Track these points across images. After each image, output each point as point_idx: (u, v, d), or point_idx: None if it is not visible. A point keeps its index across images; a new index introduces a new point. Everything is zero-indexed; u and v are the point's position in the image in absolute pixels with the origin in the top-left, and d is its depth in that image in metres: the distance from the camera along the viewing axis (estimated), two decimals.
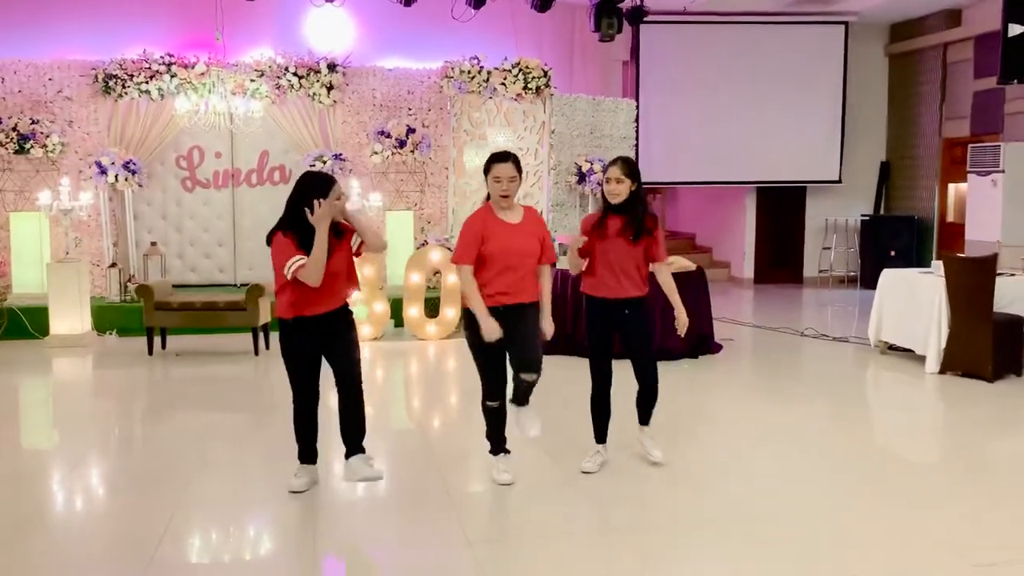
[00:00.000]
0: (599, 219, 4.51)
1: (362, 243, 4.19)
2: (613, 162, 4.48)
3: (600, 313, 4.51)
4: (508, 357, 4.25)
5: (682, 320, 4.52)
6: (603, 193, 4.48)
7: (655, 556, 3.56)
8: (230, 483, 4.45)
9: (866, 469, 4.71)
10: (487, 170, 4.23)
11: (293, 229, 4.01)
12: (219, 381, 6.94)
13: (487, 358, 4.26)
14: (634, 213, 4.41)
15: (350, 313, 4.25)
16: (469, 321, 4.23)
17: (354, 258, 4.23)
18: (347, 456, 4.21)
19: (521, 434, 4.37)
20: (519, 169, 4.26)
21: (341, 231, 4.15)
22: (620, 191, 4.38)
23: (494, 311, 4.15)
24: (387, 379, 7.21)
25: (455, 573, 3.45)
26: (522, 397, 4.33)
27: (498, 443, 4.47)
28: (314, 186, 4.01)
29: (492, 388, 4.35)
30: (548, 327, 4.36)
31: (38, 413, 6.37)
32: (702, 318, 7.68)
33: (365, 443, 4.24)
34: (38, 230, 8.93)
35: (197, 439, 5.22)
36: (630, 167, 4.42)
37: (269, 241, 4.08)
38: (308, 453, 4.33)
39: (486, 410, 4.41)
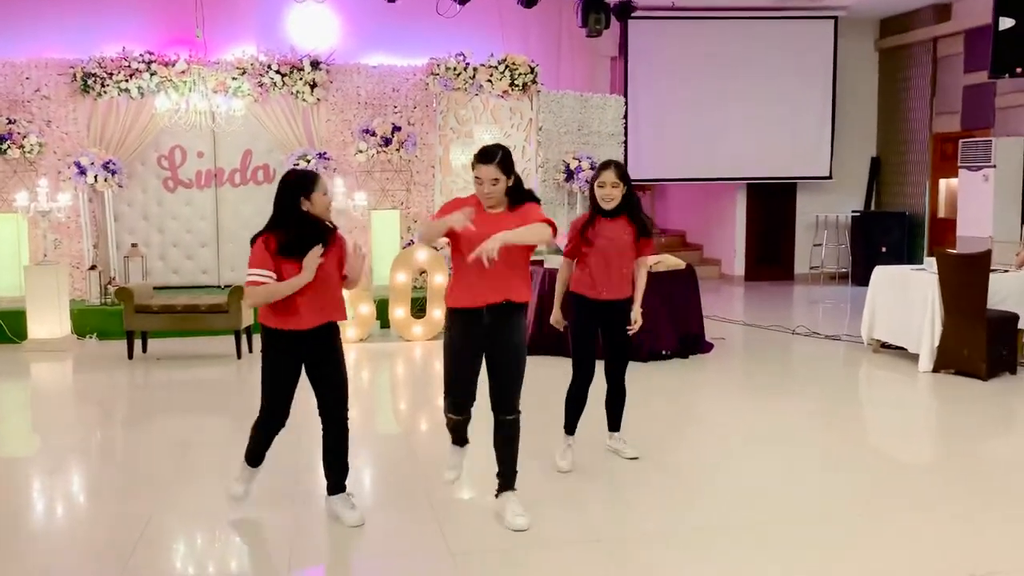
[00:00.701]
0: (587, 221, 4.46)
1: (345, 276, 3.91)
2: (606, 166, 4.42)
3: (594, 313, 4.48)
4: (492, 386, 3.88)
5: (637, 319, 4.50)
6: (593, 197, 4.42)
7: (640, 565, 3.45)
8: (209, 489, 4.31)
9: (858, 471, 4.61)
10: (472, 167, 3.89)
11: (278, 230, 3.75)
12: (201, 385, 6.80)
13: (460, 367, 3.86)
14: (636, 215, 4.43)
15: (337, 330, 3.91)
16: (451, 322, 3.89)
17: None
18: (329, 493, 3.99)
19: (507, 526, 3.83)
20: (506, 170, 3.78)
21: (327, 239, 3.83)
22: (615, 196, 4.37)
23: (470, 312, 3.78)
24: (373, 382, 7.08)
25: None
26: (507, 472, 3.93)
27: (459, 439, 4.14)
28: (299, 184, 3.76)
29: (457, 401, 3.93)
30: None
31: (15, 419, 6.21)
32: (692, 317, 7.59)
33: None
34: (16, 232, 8.77)
35: (177, 444, 5.10)
36: (622, 171, 4.42)
37: (253, 243, 3.82)
38: (258, 456, 4.01)
39: (449, 421, 4.05)
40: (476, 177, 3.82)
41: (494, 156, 3.78)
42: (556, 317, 4.59)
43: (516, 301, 3.81)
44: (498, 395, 3.86)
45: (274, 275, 3.69)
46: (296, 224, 3.74)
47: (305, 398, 4.02)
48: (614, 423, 4.78)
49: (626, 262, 4.46)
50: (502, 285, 3.75)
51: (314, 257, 3.72)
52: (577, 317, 4.52)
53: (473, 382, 3.89)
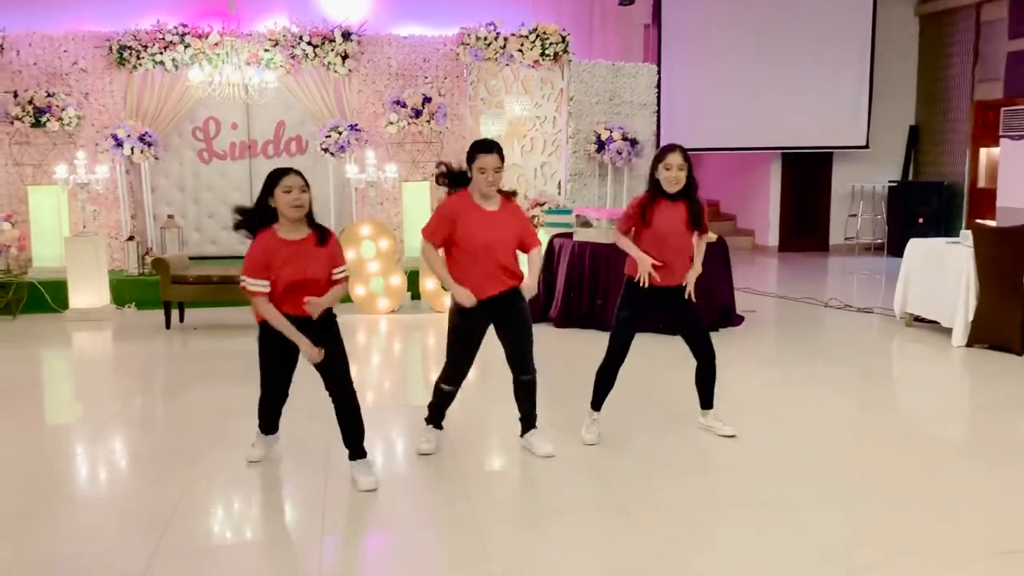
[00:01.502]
0: (647, 201, 4.42)
1: (335, 281, 4.01)
2: (671, 149, 4.38)
3: (645, 300, 4.45)
4: (508, 353, 4.35)
5: (692, 279, 4.51)
6: (655, 179, 4.40)
7: (665, 540, 3.49)
8: (245, 457, 4.43)
9: (888, 446, 4.60)
10: (471, 159, 4.15)
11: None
12: (237, 355, 6.93)
13: (464, 344, 4.27)
14: (695, 200, 4.44)
15: (333, 318, 4.05)
16: (457, 307, 4.24)
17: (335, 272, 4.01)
18: (350, 458, 4.13)
19: (535, 454, 4.42)
20: (503, 159, 4.18)
21: (325, 237, 3.95)
22: (681, 179, 4.36)
23: (479, 305, 4.15)
24: (404, 353, 7.17)
25: (464, 554, 3.40)
26: (528, 417, 4.47)
27: (436, 417, 4.54)
28: (267, 181, 3.86)
29: (453, 375, 4.36)
30: (533, 286, 4.34)
31: (58, 387, 6.40)
32: (724, 290, 7.56)
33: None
34: (56, 204, 8.94)
35: (214, 413, 5.22)
36: (686, 154, 4.39)
37: (254, 232, 3.90)
38: (270, 425, 4.33)
39: (439, 391, 4.44)
40: (480, 168, 4.09)
41: (495, 145, 4.15)
42: (645, 265, 4.39)
43: (514, 286, 4.23)
44: (516, 360, 4.33)
45: (268, 283, 3.85)
46: (258, 213, 3.90)
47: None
48: (706, 401, 4.74)
49: (683, 245, 4.44)
50: (500, 279, 4.19)
51: (312, 349, 3.91)
52: (628, 299, 4.48)
53: (473, 360, 4.34)
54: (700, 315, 4.65)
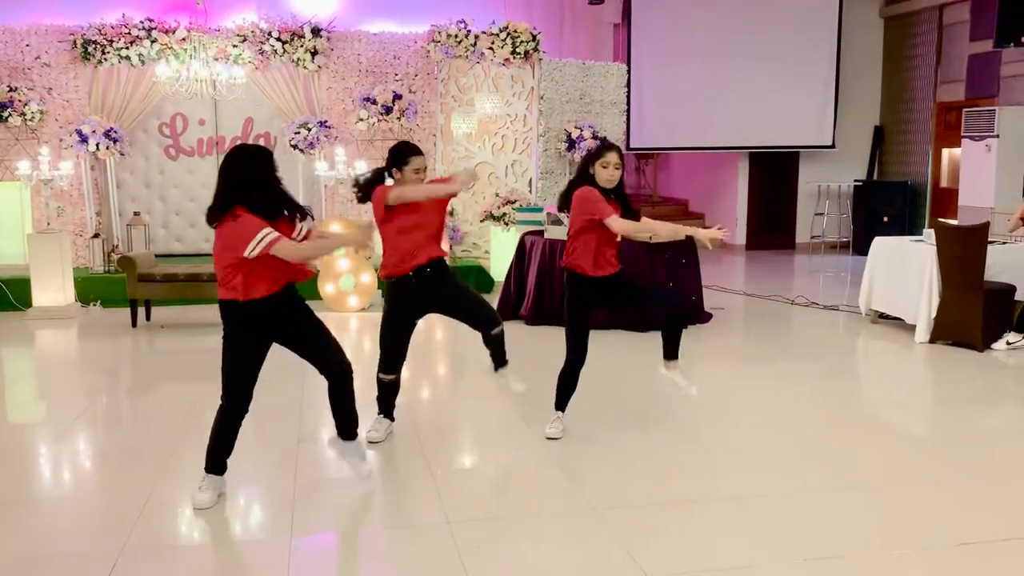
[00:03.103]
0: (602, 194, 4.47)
1: (307, 235, 3.82)
2: (609, 148, 4.46)
3: (598, 290, 4.49)
4: (468, 321, 4.63)
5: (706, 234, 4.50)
6: (589, 175, 4.43)
7: (635, 537, 3.52)
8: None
9: (853, 440, 4.67)
10: (404, 162, 4.38)
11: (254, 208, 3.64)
12: (203, 353, 6.83)
13: (399, 331, 4.52)
14: (625, 197, 4.55)
15: (302, 300, 3.92)
16: (392, 293, 4.50)
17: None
18: (343, 438, 4.04)
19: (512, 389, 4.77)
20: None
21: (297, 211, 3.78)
22: (617, 177, 4.44)
23: (408, 278, 4.38)
24: (374, 352, 7.13)
25: (434, 553, 3.41)
26: (499, 357, 4.74)
27: (386, 408, 4.69)
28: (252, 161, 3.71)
29: (390, 362, 4.55)
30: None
31: (21, 386, 6.30)
32: (692, 287, 7.62)
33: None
34: (19, 200, 8.80)
35: (181, 412, 5.17)
36: (622, 153, 4.52)
37: (219, 219, 3.63)
38: (220, 465, 3.88)
39: (381, 383, 4.60)
40: (416, 169, 4.39)
41: (419, 150, 4.48)
42: (704, 233, 4.46)
43: (438, 256, 4.45)
44: (477, 319, 4.62)
45: (273, 233, 3.61)
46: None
47: (285, 363, 4.09)
48: (671, 351, 4.70)
49: (613, 240, 4.50)
50: (425, 248, 4.40)
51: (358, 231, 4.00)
52: (576, 296, 4.51)
53: (404, 348, 4.59)
54: (645, 288, 4.78)
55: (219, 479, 3.88)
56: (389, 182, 4.44)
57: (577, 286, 4.50)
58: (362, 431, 4.66)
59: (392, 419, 4.71)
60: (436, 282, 4.45)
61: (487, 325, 4.62)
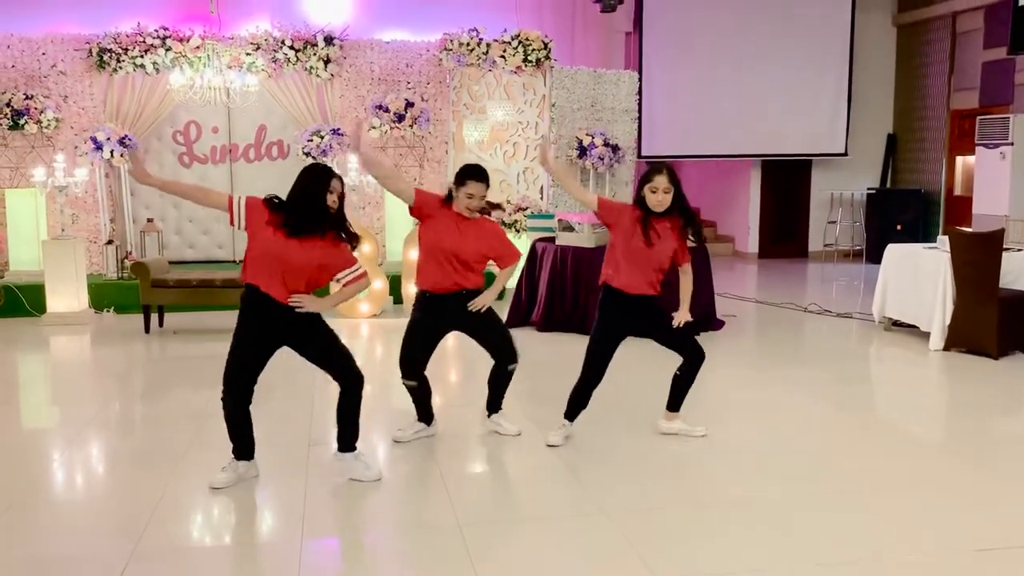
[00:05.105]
0: (640, 216, 4.38)
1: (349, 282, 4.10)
2: (657, 170, 4.35)
3: (627, 309, 4.41)
4: (490, 349, 4.64)
5: (682, 318, 4.52)
6: (640, 197, 4.37)
7: (647, 542, 3.50)
8: (223, 461, 4.38)
9: (867, 448, 4.64)
10: (460, 183, 4.39)
11: (283, 214, 3.93)
12: (216, 359, 6.83)
13: (425, 341, 4.56)
14: (690, 218, 4.45)
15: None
16: (419, 304, 4.56)
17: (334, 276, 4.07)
18: (342, 450, 4.11)
19: (505, 434, 4.74)
20: (488, 187, 4.48)
21: (346, 234, 4.01)
22: (666, 201, 4.33)
23: (433, 295, 4.46)
24: (386, 357, 7.15)
25: (444, 556, 3.40)
26: (496, 401, 4.75)
27: (421, 413, 4.71)
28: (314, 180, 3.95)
29: (410, 367, 4.56)
30: (483, 302, 4.50)
31: (35, 391, 6.33)
32: (704, 295, 7.59)
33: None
34: (34, 207, 8.86)
35: (193, 417, 5.18)
36: (673, 175, 4.36)
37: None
38: (245, 449, 4.05)
39: (409, 387, 4.64)
40: (468, 193, 4.34)
41: (486, 174, 4.43)
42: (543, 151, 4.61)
43: (472, 289, 4.49)
44: (501, 352, 4.61)
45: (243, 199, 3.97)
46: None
47: (296, 367, 4.09)
48: (675, 403, 4.73)
49: (669, 262, 4.45)
50: (455, 280, 4.46)
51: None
52: (609, 313, 4.43)
53: (424, 356, 4.59)
54: (673, 328, 4.56)
55: (241, 464, 4.05)
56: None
57: (606, 299, 4.45)
58: (375, 438, 4.66)
59: (426, 423, 4.74)
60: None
61: (507, 359, 4.62)
